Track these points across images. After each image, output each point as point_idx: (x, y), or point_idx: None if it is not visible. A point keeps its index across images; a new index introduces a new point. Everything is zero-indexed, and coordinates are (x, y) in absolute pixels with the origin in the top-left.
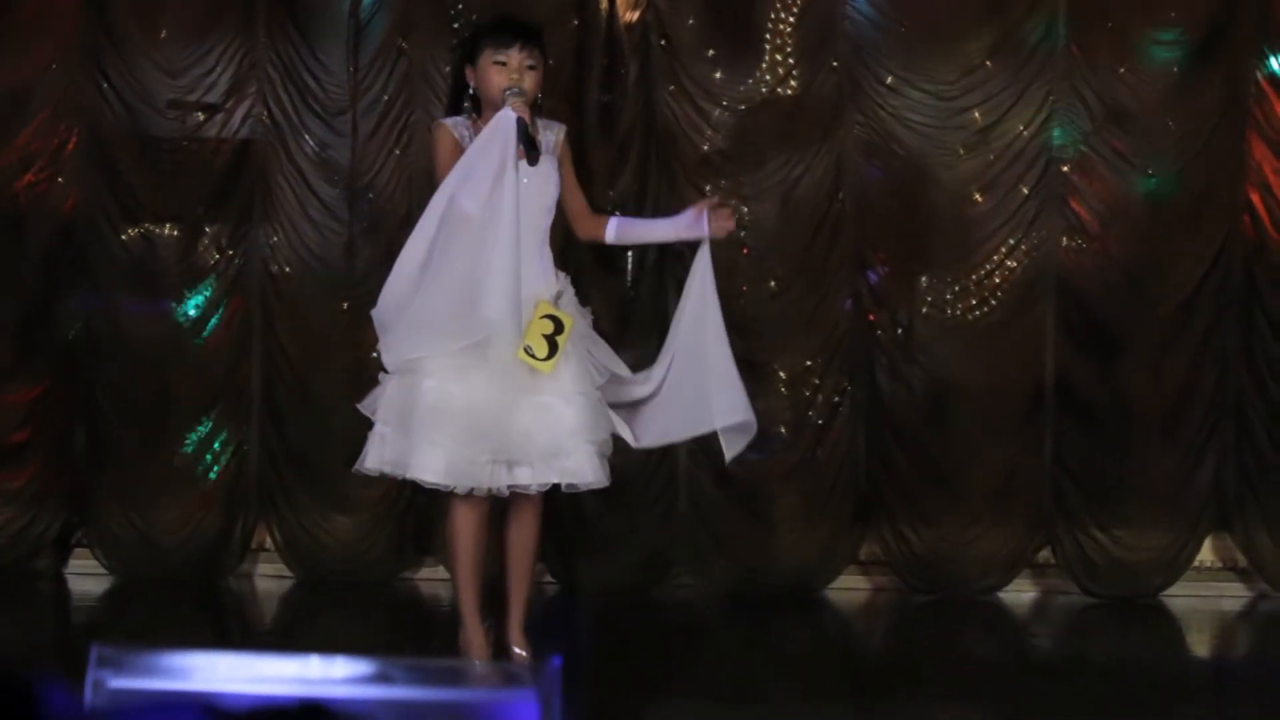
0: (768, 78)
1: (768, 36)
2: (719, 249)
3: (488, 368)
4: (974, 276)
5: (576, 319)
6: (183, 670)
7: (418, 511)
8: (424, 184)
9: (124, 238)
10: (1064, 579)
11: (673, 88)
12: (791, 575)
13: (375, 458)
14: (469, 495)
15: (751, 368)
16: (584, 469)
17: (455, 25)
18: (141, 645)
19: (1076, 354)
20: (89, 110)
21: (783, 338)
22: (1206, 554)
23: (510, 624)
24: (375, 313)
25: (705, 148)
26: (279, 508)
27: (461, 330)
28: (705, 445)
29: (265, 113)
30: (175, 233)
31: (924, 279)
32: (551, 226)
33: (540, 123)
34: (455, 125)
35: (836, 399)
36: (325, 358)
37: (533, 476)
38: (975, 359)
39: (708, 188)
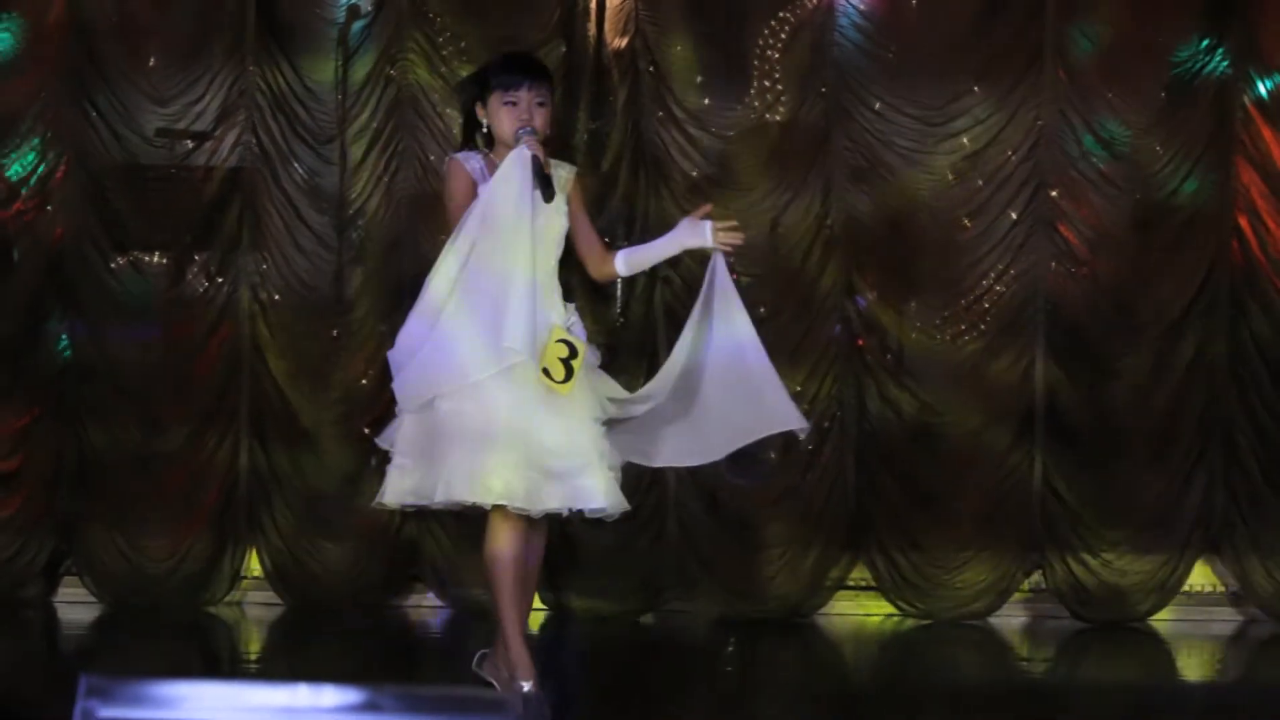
0: (756, 104)
1: (756, 63)
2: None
3: (505, 391)
4: (963, 301)
5: (587, 346)
6: (172, 699)
7: (407, 539)
8: (410, 211)
9: (113, 266)
10: (1054, 603)
11: (661, 114)
12: (781, 600)
13: (395, 490)
14: (507, 516)
15: None
16: (606, 491)
17: (444, 53)
18: (130, 674)
19: (1065, 378)
20: (77, 139)
21: (772, 362)
22: (1196, 577)
23: (501, 654)
24: (392, 354)
25: (694, 173)
26: (268, 535)
27: (480, 363)
28: (695, 471)
29: (254, 140)
30: (164, 260)
31: (913, 304)
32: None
33: (552, 161)
34: (467, 159)
35: (826, 424)
36: (314, 385)
37: (560, 499)
38: (964, 383)
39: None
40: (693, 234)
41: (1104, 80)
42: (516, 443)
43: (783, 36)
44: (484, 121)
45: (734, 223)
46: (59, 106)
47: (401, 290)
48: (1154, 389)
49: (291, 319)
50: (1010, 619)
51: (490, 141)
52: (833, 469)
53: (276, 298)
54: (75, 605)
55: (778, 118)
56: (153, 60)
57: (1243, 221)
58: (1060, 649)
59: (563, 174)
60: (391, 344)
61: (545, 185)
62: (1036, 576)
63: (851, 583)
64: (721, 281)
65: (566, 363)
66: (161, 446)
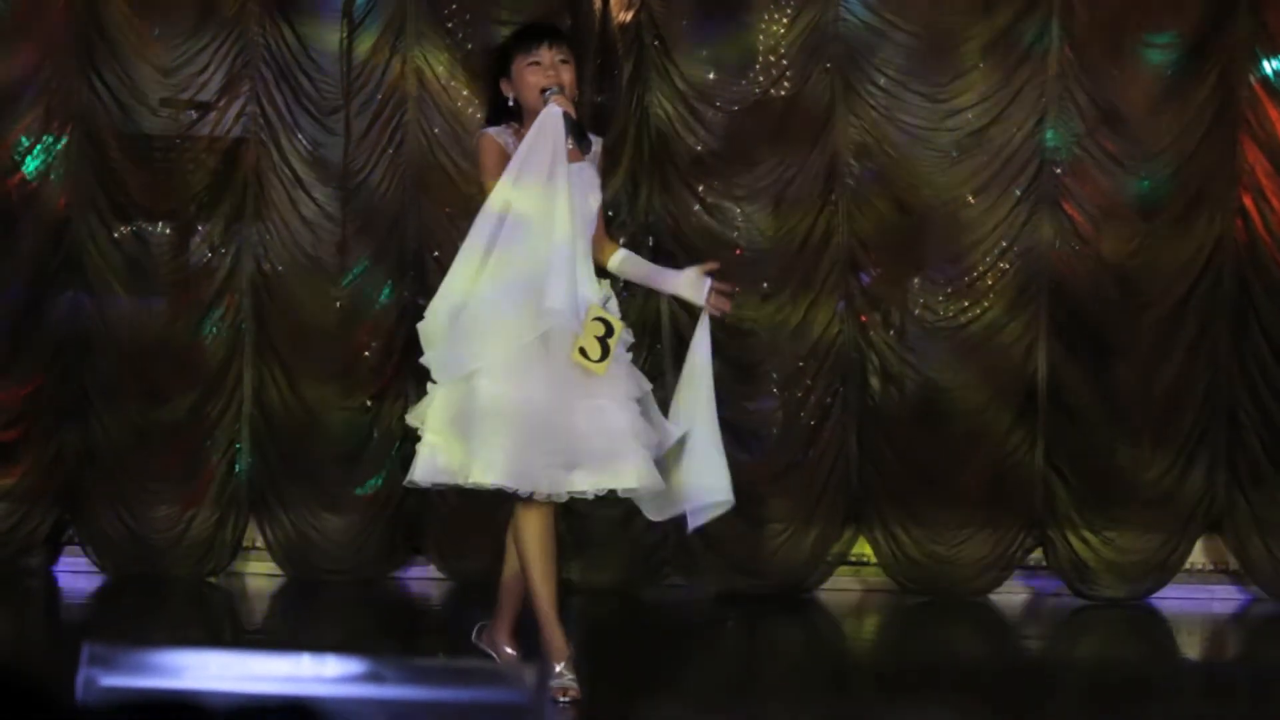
0: (761, 78)
1: (761, 37)
2: (710, 248)
3: (542, 370)
4: (966, 279)
5: (623, 326)
6: (174, 668)
7: (408, 511)
8: (414, 183)
9: (116, 236)
10: (1055, 580)
11: (666, 88)
12: (783, 576)
13: (427, 469)
14: (532, 500)
15: (743, 369)
16: (640, 472)
17: (449, 25)
18: (133, 643)
19: (1068, 356)
20: (81, 108)
21: (775, 339)
22: (1198, 556)
23: (502, 623)
24: (423, 326)
25: (698, 148)
26: (270, 506)
27: (521, 328)
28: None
29: (258, 111)
30: (168, 231)
31: (916, 281)
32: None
33: None
34: (499, 134)
35: (828, 400)
36: (317, 356)
37: (589, 481)
38: (967, 361)
39: (700, 187)
40: (690, 287)
41: (1109, 58)
42: (553, 432)
43: (788, 11)
44: (510, 95)
45: (732, 288)
46: (63, 77)
47: (405, 262)
48: (1157, 367)
49: (295, 290)
50: (1011, 596)
51: (519, 115)
52: (835, 445)
53: (280, 268)
54: (77, 575)
55: (783, 92)
56: (157, 30)
57: (1247, 200)
58: (1061, 626)
59: (595, 146)
60: (403, 315)
61: (580, 137)
62: (1038, 554)
63: (853, 559)
64: (703, 346)
65: (603, 341)
66: (164, 417)
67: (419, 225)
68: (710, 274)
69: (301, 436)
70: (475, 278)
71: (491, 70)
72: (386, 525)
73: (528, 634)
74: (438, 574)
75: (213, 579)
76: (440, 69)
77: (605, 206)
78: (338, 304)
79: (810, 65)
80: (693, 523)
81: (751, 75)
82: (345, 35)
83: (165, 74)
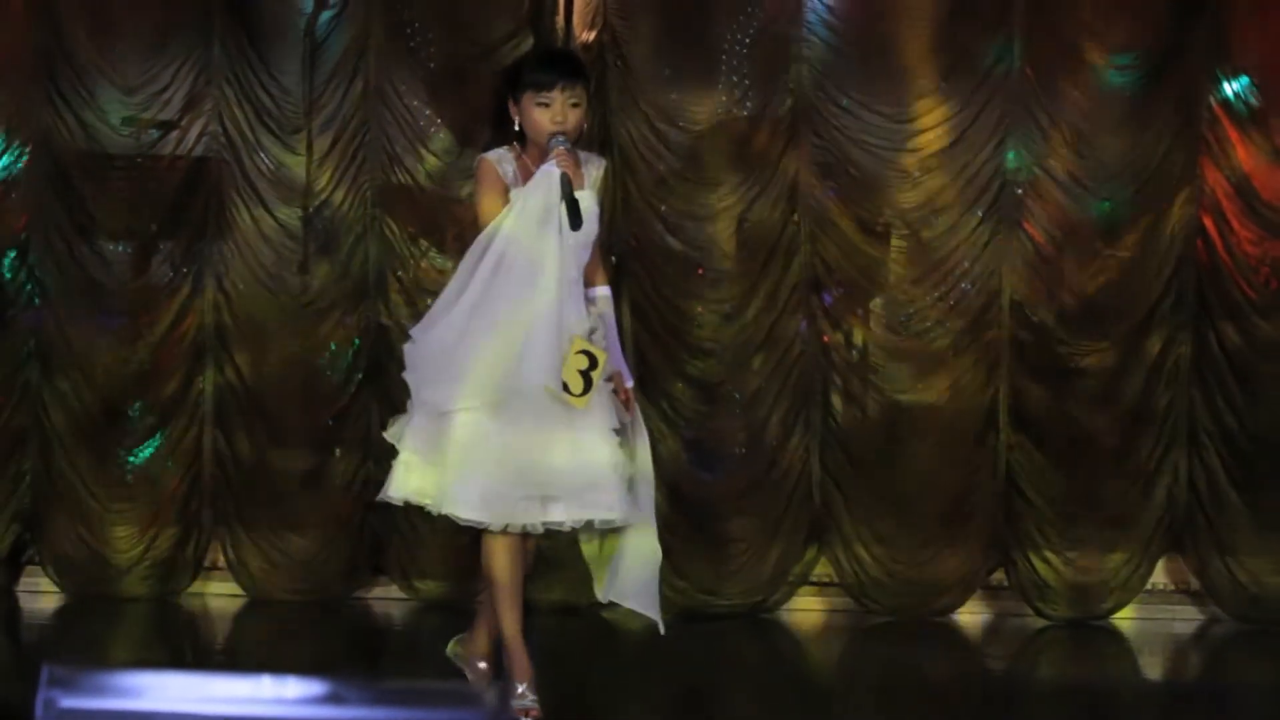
0: (723, 99)
1: (724, 58)
2: (673, 268)
3: (521, 403)
4: (928, 299)
5: (606, 355)
6: (134, 690)
7: (371, 531)
8: (376, 202)
9: (77, 255)
10: (1017, 601)
11: (628, 108)
12: (745, 595)
13: (400, 486)
14: (503, 531)
15: (706, 389)
16: (616, 504)
17: (412, 45)
18: (93, 665)
19: (1030, 376)
20: (42, 127)
21: (738, 359)
22: (1159, 576)
23: (478, 638)
24: (411, 348)
25: (660, 168)
26: (232, 526)
27: (502, 380)
28: (658, 462)
29: (220, 130)
30: (129, 250)
31: (878, 301)
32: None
33: (583, 155)
34: (499, 159)
35: (791, 420)
36: (278, 375)
37: (567, 513)
38: (929, 381)
39: (663, 207)
40: (621, 411)
41: (1070, 79)
42: (531, 467)
43: (751, 32)
44: (516, 119)
45: (628, 398)
46: (24, 95)
47: (367, 282)
48: (1119, 388)
49: (256, 309)
50: (973, 616)
51: (523, 139)
52: (797, 465)
53: (241, 287)
54: (37, 595)
55: (745, 113)
56: (119, 49)
57: (1208, 222)
58: (1022, 647)
59: (594, 171)
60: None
61: (573, 213)
62: (1000, 574)
63: (815, 578)
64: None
65: (585, 375)
66: (125, 436)
67: (381, 244)
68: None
69: (263, 456)
70: (466, 315)
71: (501, 89)
72: (348, 545)
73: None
74: (400, 594)
75: (174, 599)
76: (403, 88)
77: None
78: (300, 323)
79: (773, 86)
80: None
81: (714, 95)
82: (307, 54)
83: (127, 93)
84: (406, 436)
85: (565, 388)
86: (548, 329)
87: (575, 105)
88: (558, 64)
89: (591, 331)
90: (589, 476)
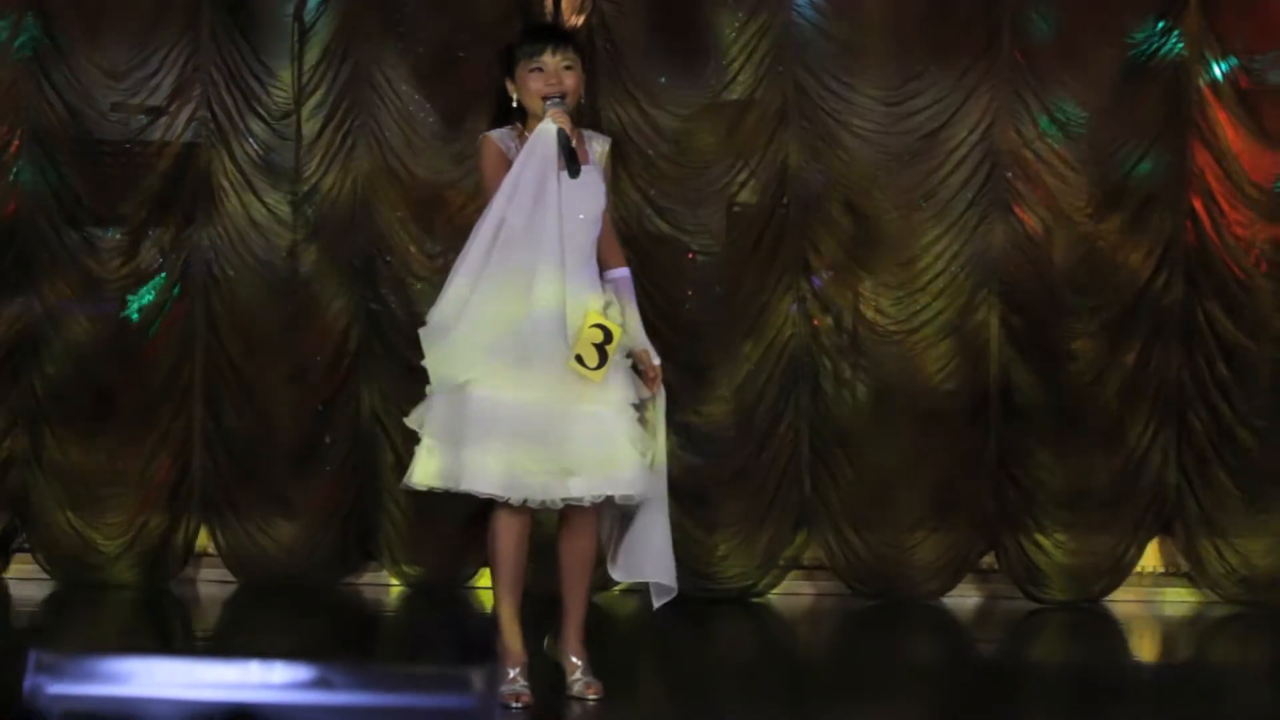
0: (713, 82)
1: (713, 41)
2: (663, 251)
3: (538, 378)
4: (918, 282)
5: (623, 331)
6: (122, 675)
7: (361, 516)
8: (365, 187)
9: (66, 240)
10: (1007, 584)
11: (618, 92)
12: (735, 579)
13: (423, 471)
14: (514, 507)
15: (696, 372)
16: (637, 479)
17: (400, 29)
18: (82, 650)
19: (1019, 359)
20: (31, 112)
21: (727, 342)
22: (1149, 559)
23: (569, 633)
24: (424, 331)
25: (650, 152)
26: (222, 512)
27: (513, 343)
28: None
29: (209, 116)
30: (118, 235)
31: (868, 284)
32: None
33: (587, 134)
34: (501, 138)
35: (781, 404)
36: (268, 361)
37: (586, 488)
38: (919, 364)
39: (652, 190)
40: (642, 368)
41: (1060, 61)
42: (548, 440)
43: (740, 15)
44: (514, 96)
45: (656, 377)
46: (13, 80)
47: (355, 267)
48: (1108, 370)
49: (245, 295)
50: (963, 599)
51: (523, 116)
52: (787, 448)
53: (230, 273)
54: (27, 582)
55: (735, 96)
56: (108, 34)
57: (1197, 204)
58: (1013, 629)
59: (598, 147)
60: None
61: (570, 160)
62: (990, 557)
63: (805, 562)
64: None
65: (601, 348)
66: (115, 422)
67: (370, 229)
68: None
69: (253, 441)
70: (471, 289)
71: (498, 70)
72: (339, 531)
73: (482, 637)
74: (390, 580)
75: (164, 585)
76: (392, 73)
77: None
78: (289, 309)
79: (762, 69)
80: (657, 601)
81: (703, 79)
82: (296, 39)
83: (116, 78)
84: (427, 422)
85: (580, 360)
86: (551, 272)
87: (569, 68)
88: (546, 30)
89: (606, 306)
90: (607, 449)
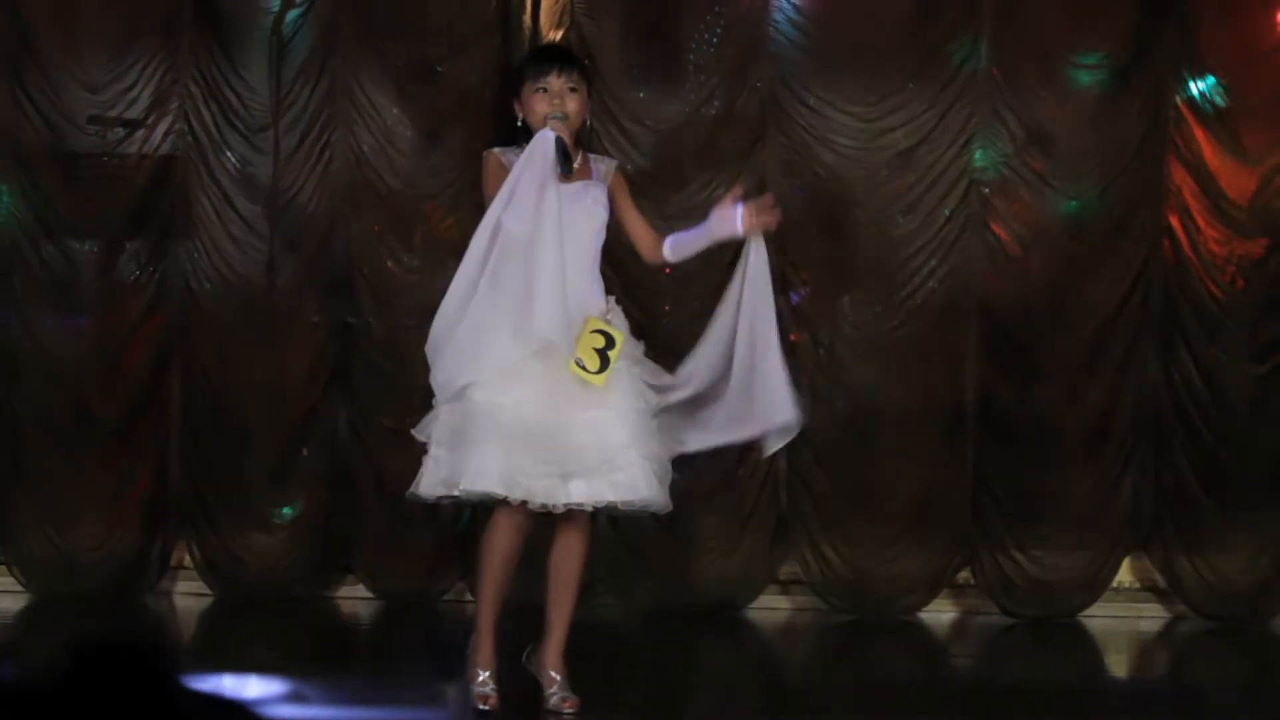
0: (691, 97)
1: (691, 57)
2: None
3: (537, 381)
4: (896, 298)
5: (627, 336)
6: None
7: (338, 530)
8: (343, 201)
9: (43, 253)
10: (983, 599)
11: (595, 107)
12: (712, 594)
13: (430, 481)
14: (513, 511)
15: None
16: (638, 484)
17: (379, 43)
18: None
19: (997, 375)
20: (8, 125)
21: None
22: (1125, 574)
23: (549, 647)
24: (428, 346)
25: (628, 167)
26: (198, 525)
27: (513, 345)
28: None
29: (187, 129)
30: (95, 249)
31: (846, 300)
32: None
33: (592, 156)
34: (504, 153)
35: None
36: (245, 375)
37: (588, 493)
38: (897, 380)
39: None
40: (722, 224)
41: (1037, 78)
42: (548, 442)
43: (718, 30)
44: (520, 116)
45: (768, 200)
46: None
47: (334, 280)
48: (1085, 386)
49: (223, 308)
50: (939, 614)
51: (528, 136)
52: (764, 464)
53: (208, 287)
54: (2, 595)
55: (712, 112)
56: (85, 47)
57: (1174, 221)
58: (989, 645)
59: (602, 167)
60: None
61: (565, 161)
62: (966, 572)
63: (782, 577)
64: (754, 267)
65: (602, 353)
66: (91, 435)
67: (348, 243)
68: (739, 200)
69: (230, 455)
70: (469, 295)
71: (508, 91)
72: (316, 545)
73: (456, 652)
74: (367, 594)
75: (140, 598)
76: (370, 86)
77: None
78: (266, 322)
79: (740, 85)
80: (769, 448)
81: (681, 94)
82: (274, 53)
83: (93, 91)
84: (434, 432)
85: (580, 364)
86: (551, 288)
87: (573, 90)
88: (553, 52)
89: (607, 313)
90: (607, 455)
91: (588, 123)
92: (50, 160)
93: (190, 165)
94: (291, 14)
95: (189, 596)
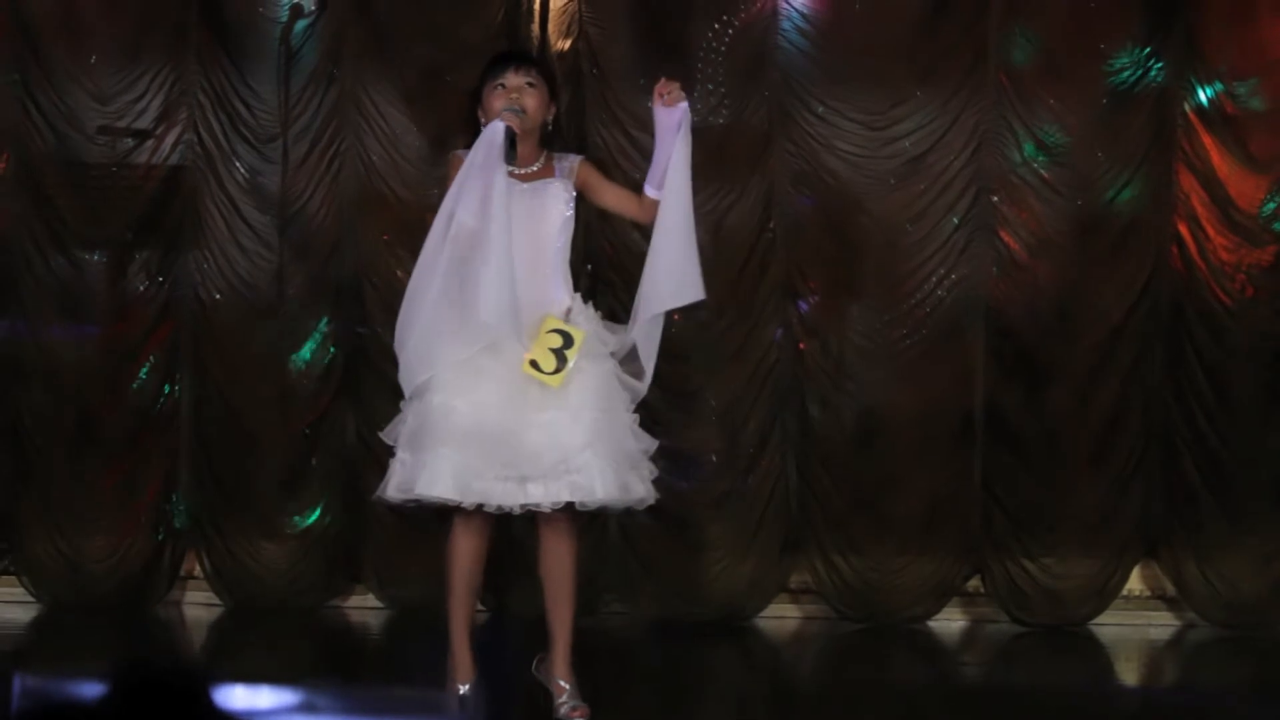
0: (699, 106)
1: (699, 65)
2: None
3: (493, 383)
4: (904, 306)
5: (591, 335)
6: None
7: (346, 539)
8: (352, 211)
9: (52, 264)
10: (993, 607)
11: (604, 116)
12: (722, 603)
13: (395, 484)
14: (470, 516)
15: (683, 396)
16: (594, 485)
17: (387, 53)
18: (66, 674)
19: (1005, 383)
20: (17, 135)
21: (714, 366)
22: (1134, 582)
23: (555, 656)
24: (395, 343)
25: (636, 175)
26: (208, 535)
27: (464, 340)
28: None
29: (196, 139)
30: (104, 259)
31: (854, 308)
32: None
33: (556, 155)
34: (468, 153)
35: (767, 428)
36: (254, 384)
37: (545, 494)
38: (905, 388)
39: None
40: (663, 124)
41: (1046, 85)
42: (504, 444)
43: (726, 39)
44: (483, 119)
45: (662, 82)
46: None
47: (342, 290)
48: (1093, 394)
49: (232, 318)
50: (949, 623)
51: None
52: (774, 472)
53: (217, 297)
54: (12, 605)
55: (720, 120)
56: (94, 57)
57: (1182, 228)
58: (998, 653)
59: (565, 164)
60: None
61: (509, 150)
62: (976, 581)
63: (792, 586)
64: (679, 153)
65: (559, 353)
66: (101, 445)
67: (357, 253)
68: (660, 96)
69: (239, 465)
70: (425, 289)
71: (471, 97)
72: (324, 554)
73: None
74: (376, 603)
75: (150, 608)
76: (378, 96)
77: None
78: (275, 331)
79: (748, 93)
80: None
81: (689, 103)
82: (283, 62)
83: (102, 101)
84: (400, 435)
85: (535, 365)
86: (497, 277)
87: (531, 86)
88: (510, 53)
89: (568, 312)
90: (563, 455)
91: (549, 124)
92: (59, 170)
93: (199, 175)
94: (300, 24)
95: (199, 606)
